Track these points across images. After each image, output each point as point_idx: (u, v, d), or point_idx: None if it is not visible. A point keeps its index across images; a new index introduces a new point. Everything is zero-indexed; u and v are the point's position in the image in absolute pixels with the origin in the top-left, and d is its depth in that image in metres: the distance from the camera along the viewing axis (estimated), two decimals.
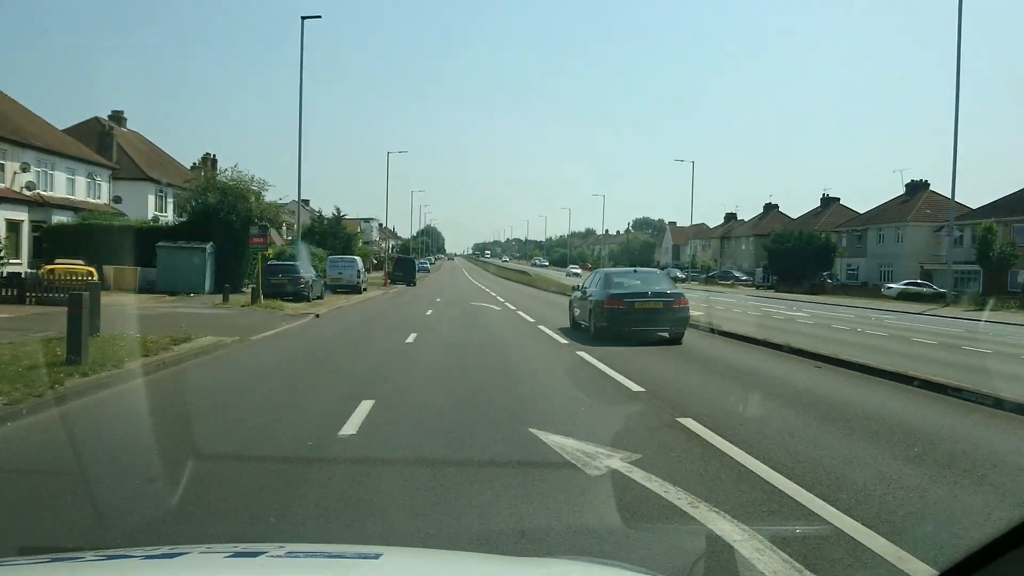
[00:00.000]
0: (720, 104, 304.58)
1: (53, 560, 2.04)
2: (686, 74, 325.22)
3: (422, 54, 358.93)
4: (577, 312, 19.33)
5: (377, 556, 1.99)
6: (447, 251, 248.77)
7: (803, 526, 4.66)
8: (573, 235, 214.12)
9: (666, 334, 16.55)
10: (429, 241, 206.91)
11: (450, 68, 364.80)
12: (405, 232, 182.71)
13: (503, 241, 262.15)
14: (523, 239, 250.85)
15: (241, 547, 2.03)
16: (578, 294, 19.79)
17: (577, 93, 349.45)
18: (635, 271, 20.21)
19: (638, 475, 5.71)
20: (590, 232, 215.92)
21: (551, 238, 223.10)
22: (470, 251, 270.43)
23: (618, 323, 16.40)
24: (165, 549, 2.02)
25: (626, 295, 16.67)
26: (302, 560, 2.00)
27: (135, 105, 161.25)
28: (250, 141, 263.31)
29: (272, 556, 1.93)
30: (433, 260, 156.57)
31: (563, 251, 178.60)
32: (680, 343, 16.21)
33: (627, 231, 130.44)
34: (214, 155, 67.09)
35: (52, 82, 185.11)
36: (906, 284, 50.02)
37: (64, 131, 41.91)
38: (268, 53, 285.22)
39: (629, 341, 15.80)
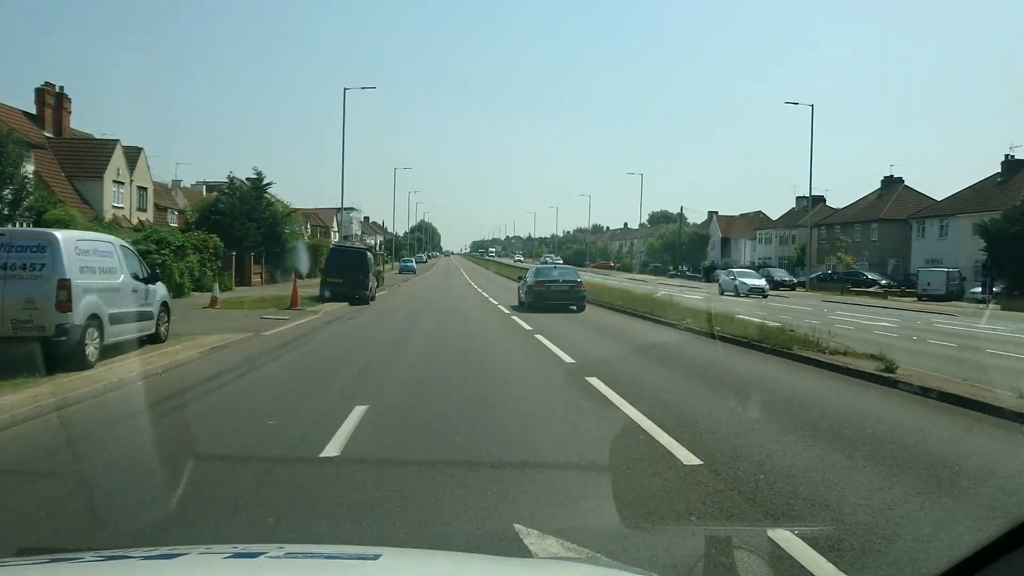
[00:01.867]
0: (721, 100, 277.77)
1: (52, 561, 2.01)
2: (696, 72, 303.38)
3: (423, 53, 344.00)
4: (520, 294, 27.46)
5: (376, 557, 1.96)
6: (443, 248, 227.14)
7: (801, 527, 4.57)
8: (580, 231, 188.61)
9: (574, 307, 24.70)
10: (423, 237, 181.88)
11: (449, 67, 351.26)
12: (401, 229, 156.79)
13: (503, 239, 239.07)
14: (523, 236, 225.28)
15: (240, 548, 1.99)
16: (521, 282, 28.36)
17: (580, 91, 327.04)
18: (555, 267, 31.51)
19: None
20: (598, 228, 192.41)
21: (557, 234, 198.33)
22: (468, 249, 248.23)
23: (540, 299, 24.58)
24: (164, 550, 1.98)
25: (546, 281, 25.41)
26: (301, 561, 1.94)
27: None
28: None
29: (271, 557, 1.88)
30: (425, 258, 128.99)
31: (576, 247, 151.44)
32: (582, 311, 24.31)
33: (679, 224, 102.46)
34: (61, 87, 40.29)
35: None
36: None
37: None
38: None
39: (549, 310, 23.70)
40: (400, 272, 67.74)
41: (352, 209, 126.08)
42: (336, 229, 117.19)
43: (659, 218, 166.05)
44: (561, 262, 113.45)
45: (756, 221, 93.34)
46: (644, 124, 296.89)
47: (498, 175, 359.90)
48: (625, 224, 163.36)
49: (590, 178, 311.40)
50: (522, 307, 25.54)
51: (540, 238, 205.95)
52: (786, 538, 4.34)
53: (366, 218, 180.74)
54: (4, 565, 1.80)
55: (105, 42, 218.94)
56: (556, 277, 25.91)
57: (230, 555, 1.93)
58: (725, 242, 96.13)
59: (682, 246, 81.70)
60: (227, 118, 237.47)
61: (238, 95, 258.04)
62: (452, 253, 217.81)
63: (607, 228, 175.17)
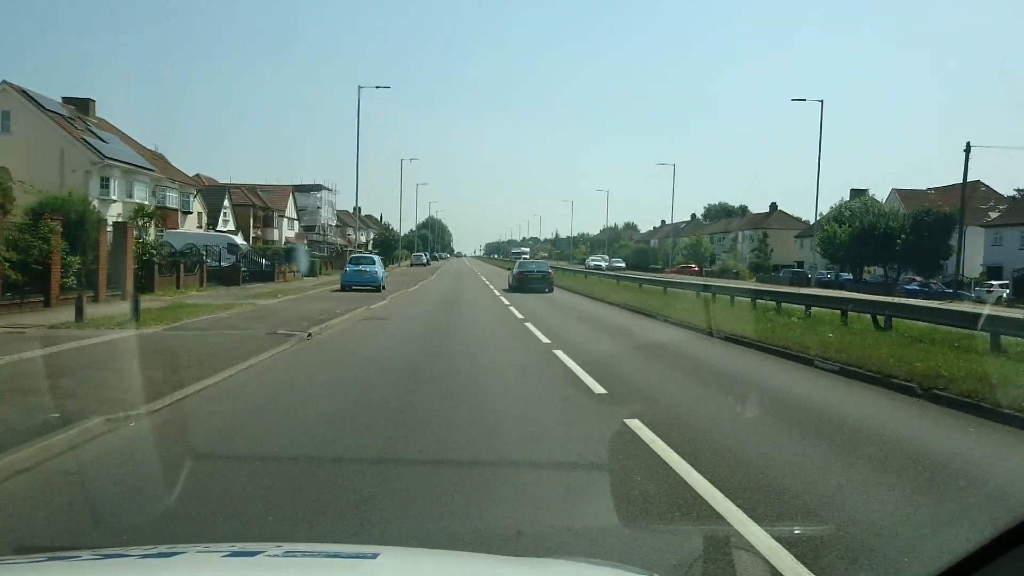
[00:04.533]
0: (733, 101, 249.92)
1: (50, 559, 1.99)
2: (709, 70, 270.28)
3: (431, 56, 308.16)
4: (510, 280, 34.74)
5: (375, 556, 1.92)
6: (455, 250, 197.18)
7: (801, 526, 4.46)
8: (608, 229, 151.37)
9: (547, 289, 31.99)
10: (431, 236, 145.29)
11: (459, 70, 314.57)
12: (407, 226, 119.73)
13: (519, 240, 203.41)
14: (540, 238, 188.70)
15: (238, 546, 1.92)
16: (510, 273, 36.26)
17: (588, 94, 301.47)
18: (533, 261, 45.67)
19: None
20: (630, 226, 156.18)
21: (586, 233, 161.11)
22: (482, 252, 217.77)
23: (520, 283, 32.25)
24: (162, 548, 1.92)
25: (525, 271, 33.74)
26: (299, 559, 1.88)
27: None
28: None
29: (269, 555, 1.83)
30: (426, 260, 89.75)
31: (635, 246, 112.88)
32: (551, 293, 31.53)
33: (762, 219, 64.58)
34: None
35: None
36: None
37: None
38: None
39: (526, 292, 30.69)
40: (342, 288, 28.95)
41: (320, 188, 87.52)
42: (295, 216, 78.82)
43: (718, 211, 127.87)
44: (623, 265, 74.77)
45: (976, 197, 54.63)
46: (659, 123, 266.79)
47: (508, 177, 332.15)
48: (693, 215, 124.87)
49: (598, 178, 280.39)
50: (509, 289, 32.57)
51: (567, 237, 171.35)
52: (783, 536, 4.19)
53: (357, 209, 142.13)
54: (2, 563, 1.76)
55: (104, 39, 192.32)
56: (533, 268, 35.13)
57: (228, 553, 1.87)
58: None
59: (900, 236, 42.63)
60: (226, 114, 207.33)
61: (237, 92, 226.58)
62: (464, 255, 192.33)
63: (664, 221, 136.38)
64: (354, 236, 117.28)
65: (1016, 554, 1.48)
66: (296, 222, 77.80)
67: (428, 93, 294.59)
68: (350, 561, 1.92)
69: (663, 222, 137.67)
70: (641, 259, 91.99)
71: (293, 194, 76.23)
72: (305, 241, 78.68)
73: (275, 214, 67.10)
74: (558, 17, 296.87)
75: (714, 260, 76.70)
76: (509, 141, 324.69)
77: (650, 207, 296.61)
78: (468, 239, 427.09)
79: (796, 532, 4.32)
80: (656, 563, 3.83)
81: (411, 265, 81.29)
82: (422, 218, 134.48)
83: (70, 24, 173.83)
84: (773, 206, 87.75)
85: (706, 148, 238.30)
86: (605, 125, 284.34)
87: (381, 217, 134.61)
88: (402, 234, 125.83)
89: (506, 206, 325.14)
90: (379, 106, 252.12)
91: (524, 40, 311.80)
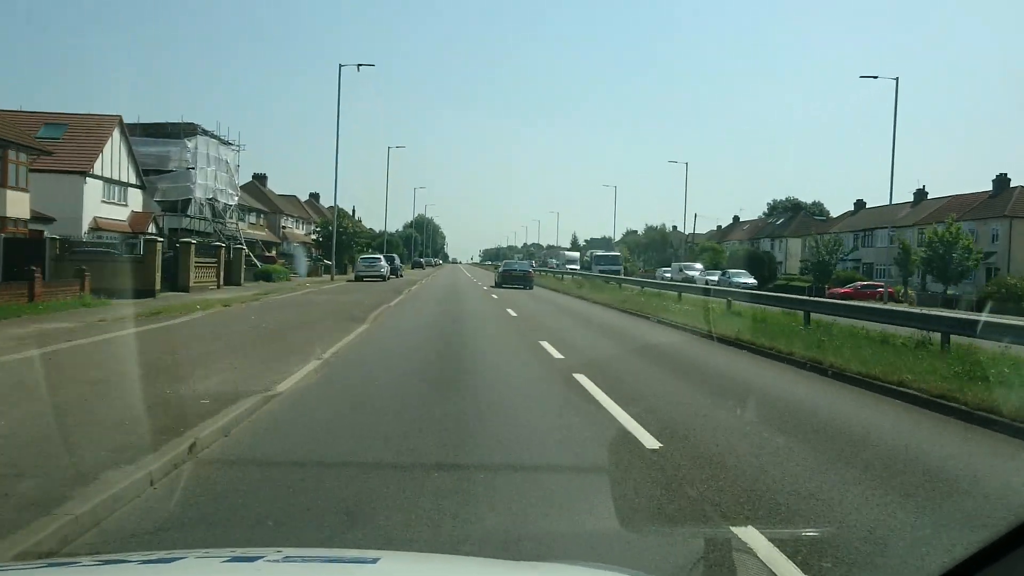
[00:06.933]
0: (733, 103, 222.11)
1: (49, 565, 1.89)
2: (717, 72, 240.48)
3: (427, 51, 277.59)
4: (496, 278, 43.72)
5: (375, 561, 1.91)
6: (448, 255, 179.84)
7: (803, 528, 4.42)
8: (629, 232, 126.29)
9: (529, 287, 39.15)
10: (419, 237, 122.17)
11: (456, 67, 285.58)
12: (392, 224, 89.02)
13: (519, 247, 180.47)
14: (543, 245, 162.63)
15: (239, 552, 1.93)
16: (497, 272, 47.31)
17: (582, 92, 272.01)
18: (516, 262, 52.74)
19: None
20: (652, 228, 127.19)
21: (607, 236, 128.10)
22: (478, 258, 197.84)
23: (504, 279, 40.58)
24: (162, 554, 1.93)
25: (508, 269, 42.94)
26: (299, 565, 1.86)
27: None
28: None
29: (269, 561, 1.82)
30: (386, 270, 47.98)
31: (740, 250, 75.32)
32: (531, 289, 38.24)
33: None
34: None
35: None
36: None
37: None
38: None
39: (510, 286, 38.22)
40: None
41: (195, 131, 47.66)
42: (138, 183, 39.40)
43: (790, 206, 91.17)
44: (750, 280, 50.91)
45: None
46: (666, 121, 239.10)
47: (504, 180, 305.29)
48: (795, 207, 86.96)
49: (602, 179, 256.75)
50: (496, 286, 39.63)
51: (591, 239, 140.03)
52: (784, 538, 4.18)
53: (314, 195, 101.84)
54: (1, 569, 1.74)
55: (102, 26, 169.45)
56: (515, 267, 43.82)
57: (228, 559, 1.86)
58: None
59: None
60: (229, 112, 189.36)
61: (238, 87, 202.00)
62: (460, 261, 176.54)
63: (737, 218, 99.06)
64: (295, 228, 79.57)
65: (1015, 557, 1.44)
66: (140, 192, 40.02)
67: (424, 90, 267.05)
68: (350, 566, 1.90)
69: (735, 219, 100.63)
70: (753, 268, 54.91)
71: (125, 135, 38.29)
72: (155, 227, 40.83)
73: (17, 160, 28.75)
74: (563, 17, 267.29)
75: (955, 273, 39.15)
76: (508, 142, 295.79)
77: (654, 209, 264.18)
78: (463, 244, 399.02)
79: (801, 533, 4.32)
80: (655, 566, 3.83)
81: (357, 278, 43.38)
82: (400, 208, 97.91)
83: None
84: (1002, 181, 50.12)
85: (737, 146, 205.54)
86: (608, 126, 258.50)
87: (354, 212, 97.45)
88: (376, 227, 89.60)
89: (503, 210, 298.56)
90: (363, 97, 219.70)
91: (528, 36, 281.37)
